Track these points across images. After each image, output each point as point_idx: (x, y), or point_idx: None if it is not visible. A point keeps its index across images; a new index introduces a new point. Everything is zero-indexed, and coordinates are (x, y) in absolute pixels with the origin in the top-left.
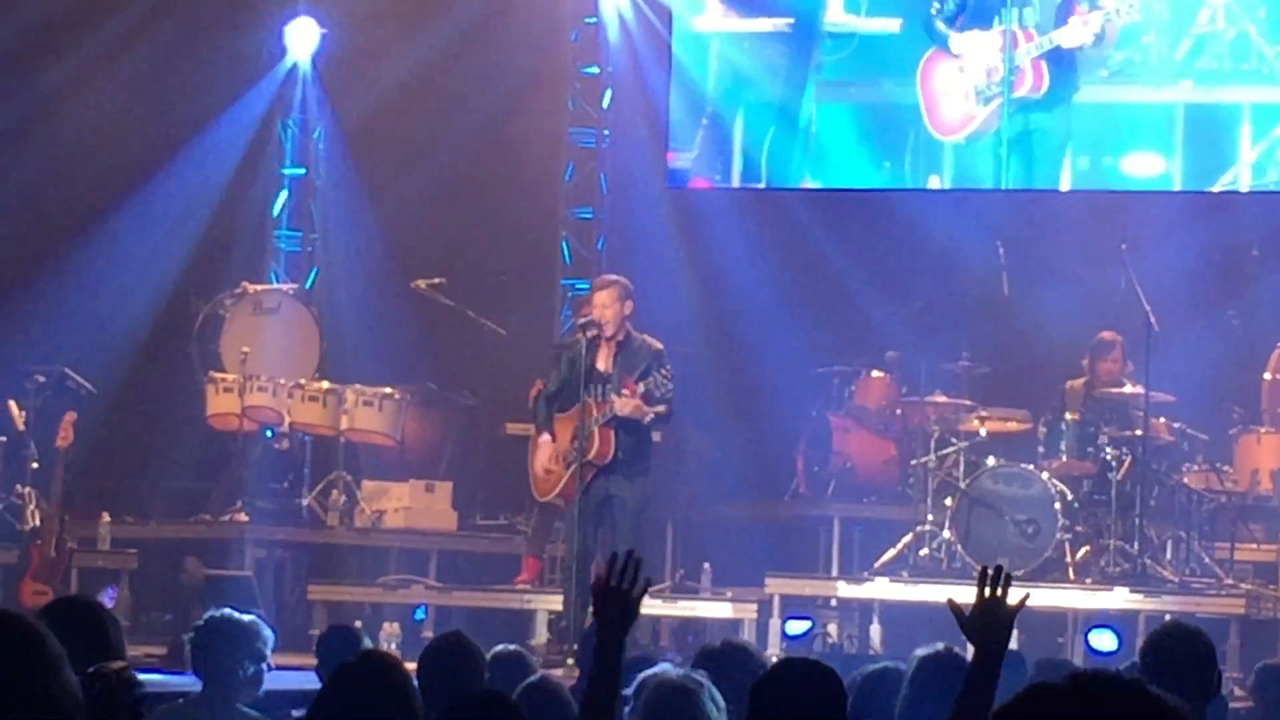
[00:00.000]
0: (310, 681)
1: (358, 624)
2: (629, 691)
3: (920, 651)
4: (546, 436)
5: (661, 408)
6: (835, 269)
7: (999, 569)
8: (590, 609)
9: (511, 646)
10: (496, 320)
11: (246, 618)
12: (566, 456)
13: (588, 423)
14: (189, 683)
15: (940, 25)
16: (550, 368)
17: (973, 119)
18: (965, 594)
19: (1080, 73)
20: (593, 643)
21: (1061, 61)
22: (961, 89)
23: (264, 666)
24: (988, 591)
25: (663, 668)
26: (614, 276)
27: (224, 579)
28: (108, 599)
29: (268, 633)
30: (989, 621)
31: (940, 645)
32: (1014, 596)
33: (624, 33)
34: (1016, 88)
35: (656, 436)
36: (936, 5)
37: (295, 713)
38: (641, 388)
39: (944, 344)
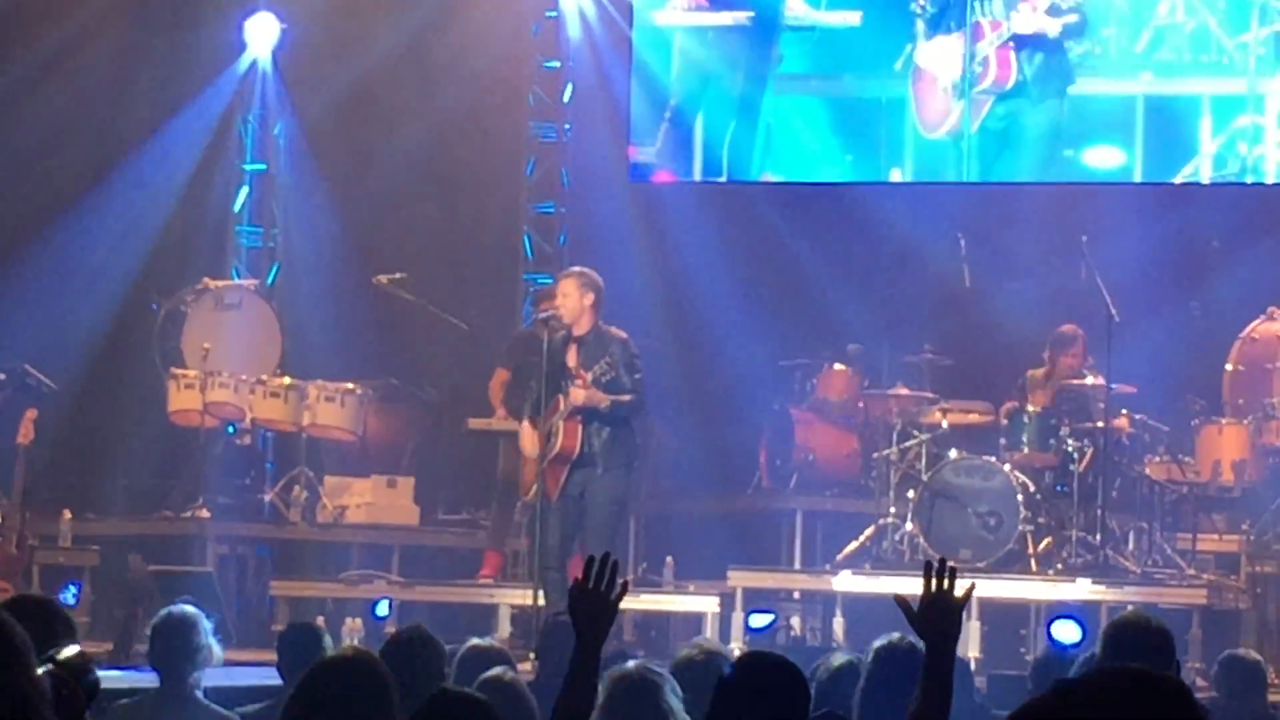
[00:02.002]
0: (271, 677)
1: (320, 620)
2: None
3: (876, 642)
4: (525, 424)
5: (626, 396)
6: (797, 262)
7: (943, 561)
8: (566, 610)
9: (486, 640)
10: (458, 315)
11: (190, 610)
12: (536, 458)
13: (551, 419)
14: (141, 678)
15: (921, 26)
16: (506, 359)
17: (949, 114)
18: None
19: (1069, 64)
20: (555, 639)
21: (1042, 52)
22: (940, 86)
23: (212, 652)
24: (934, 585)
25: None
26: (580, 268)
27: (185, 575)
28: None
29: (207, 622)
30: (937, 615)
31: (895, 635)
32: (960, 588)
33: (584, 26)
34: (982, 80)
35: None
36: (920, 5)
37: (253, 706)
38: (590, 376)
39: (906, 336)
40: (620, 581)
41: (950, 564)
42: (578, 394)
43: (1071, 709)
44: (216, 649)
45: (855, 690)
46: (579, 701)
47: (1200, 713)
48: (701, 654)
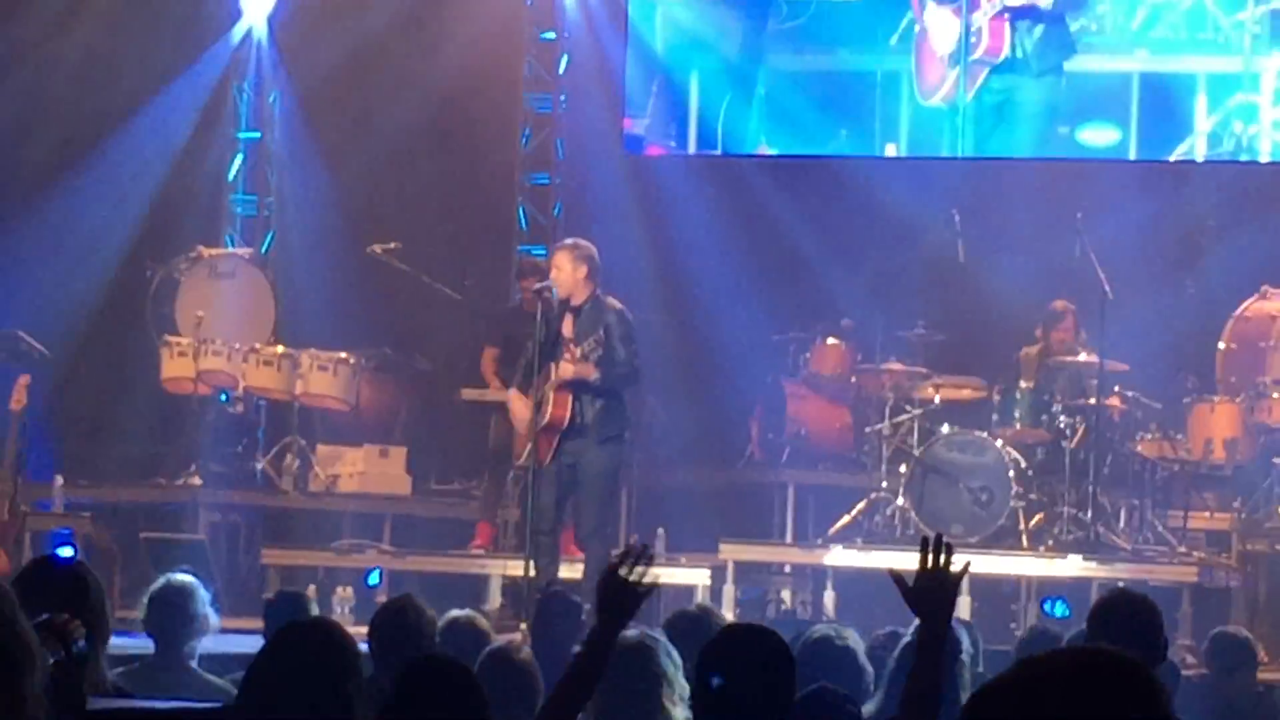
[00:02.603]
0: (259, 645)
1: (311, 589)
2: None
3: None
4: (514, 392)
5: (619, 369)
6: (792, 236)
7: (939, 537)
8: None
9: (465, 612)
10: (452, 286)
11: (188, 578)
12: (529, 425)
13: (543, 388)
14: (136, 644)
15: None
16: (494, 337)
17: (946, 81)
18: (918, 561)
19: (1069, 37)
20: (550, 611)
21: (1042, 23)
22: (939, 53)
23: (209, 621)
24: (930, 561)
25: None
26: (573, 240)
27: (177, 543)
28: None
29: (205, 591)
30: (932, 591)
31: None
32: (956, 564)
33: None
34: (975, 49)
35: None
36: None
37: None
38: (579, 351)
39: (899, 311)
40: (651, 575)
41: (946, 540)
42: (566, 368)
43: (1032, 683)
44: (213, 617)
45: (837, 669)
46: (584, 683)
47: (1160, 697)
48: (697, 609)
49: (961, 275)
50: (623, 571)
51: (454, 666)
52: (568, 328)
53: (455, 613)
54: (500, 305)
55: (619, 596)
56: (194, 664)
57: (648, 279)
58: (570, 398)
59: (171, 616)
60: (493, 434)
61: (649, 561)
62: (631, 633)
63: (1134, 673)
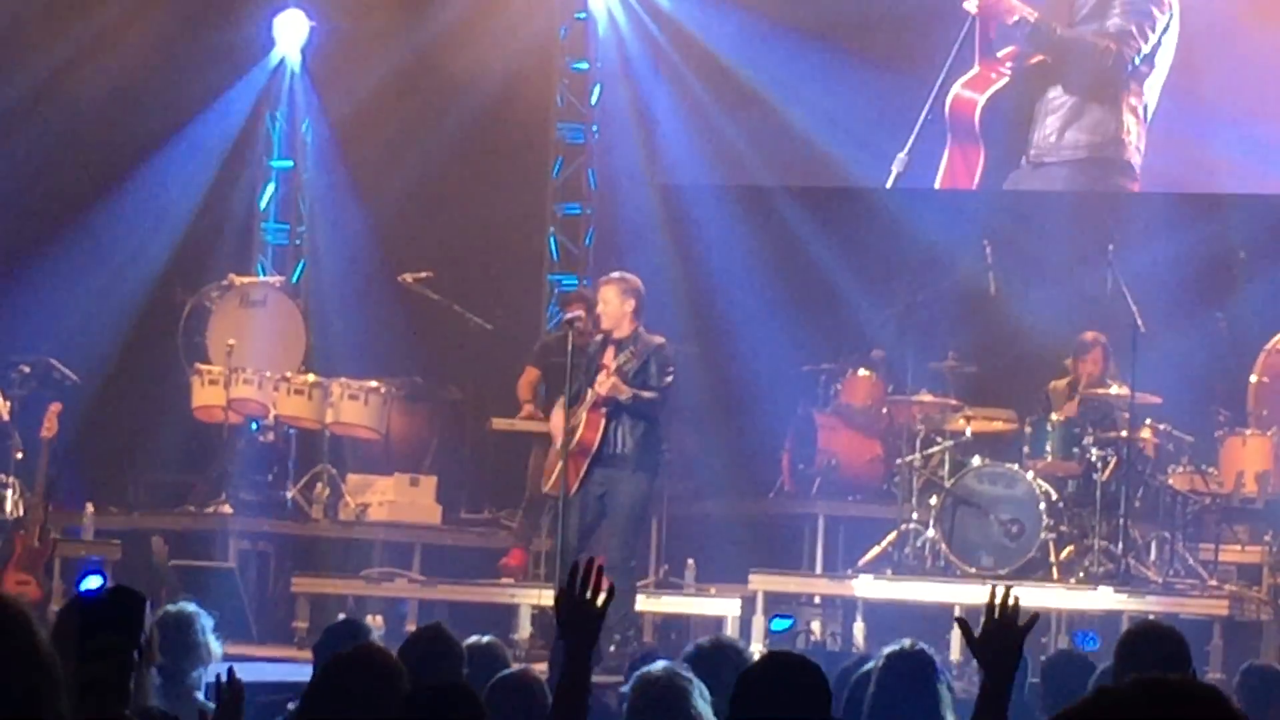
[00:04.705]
0: (298, 674)
1: (340, 618)
2: (626, 688)
3: (887, 648)
4: (558, 406)
5: (648, 393)
6: (823, 267)
7: (1007, 590)
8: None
9: (485, 638)
10: (484, 315)
11: (189, 607)
12: (559, 450)
13: (577, 412)
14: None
15: None
16: (537, 360)
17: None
18: (948, 592)
19: None
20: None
21: None
22: None
23: (210, 650)
24: (997, 610)
25: (658, 664)
26: (620, 274)
27: (207, 571)
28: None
29: (207, 620)
30: (998, 640)
31: (907, 642)
32: (1023, 618)
33: (613, 28)
34: None
35: None
36: None
37: (291, 705)
38: (614, 365)
39: (930, 343)
40: (606, 584)
41: (1015, 594)
42: (603, 383)
43: (1109, 712)
44: (215, 647)
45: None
46: (571, 710)
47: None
48: (710, 643)
49: (993, 307)
50: (577, 593)
51: (464, 693)
52: (609, 359)
53: (472, 639)
54: (550, 332)
55: (579, 617)
56: (199, 695)
57: (679, 309)
58: (602, 420)
59: (172, 646)
60: (531, 466)
61: (599, 574)
62: (662, 672)
63: (1215, 702)
